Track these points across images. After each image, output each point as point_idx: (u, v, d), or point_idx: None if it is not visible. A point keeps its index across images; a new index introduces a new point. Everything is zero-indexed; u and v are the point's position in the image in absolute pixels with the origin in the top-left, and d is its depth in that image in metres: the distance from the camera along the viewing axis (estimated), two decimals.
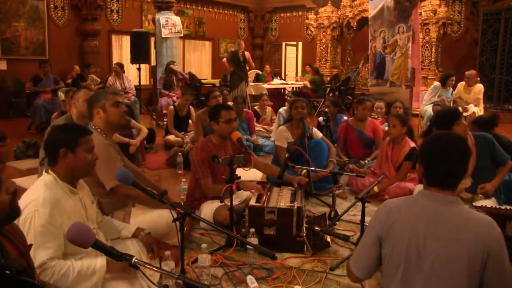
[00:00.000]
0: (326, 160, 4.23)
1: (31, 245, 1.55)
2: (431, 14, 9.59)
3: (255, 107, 7.46)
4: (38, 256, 1.77)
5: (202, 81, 11.68)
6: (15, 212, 1.36)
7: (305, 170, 3.58)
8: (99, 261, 1.91)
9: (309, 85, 11.09)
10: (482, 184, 3.22)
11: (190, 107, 6.56)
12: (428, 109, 6.78)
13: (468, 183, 3.35)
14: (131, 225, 2.54)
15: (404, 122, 4.06)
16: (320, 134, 4.50)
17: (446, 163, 1.56)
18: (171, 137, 6.20)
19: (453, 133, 1.79)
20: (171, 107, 6.50)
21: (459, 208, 1.54)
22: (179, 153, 5.13)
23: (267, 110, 7.44)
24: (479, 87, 7.16)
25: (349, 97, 10.65)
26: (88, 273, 1.88)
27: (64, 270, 1.83)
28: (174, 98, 8.11)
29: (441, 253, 1.48)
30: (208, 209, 3.28)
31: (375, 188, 3.79)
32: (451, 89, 7.20)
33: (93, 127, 2.71)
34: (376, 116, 5.54)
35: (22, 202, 1.84)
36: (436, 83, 7.36)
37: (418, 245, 1.51)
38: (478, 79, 7.36)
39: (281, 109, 6.79)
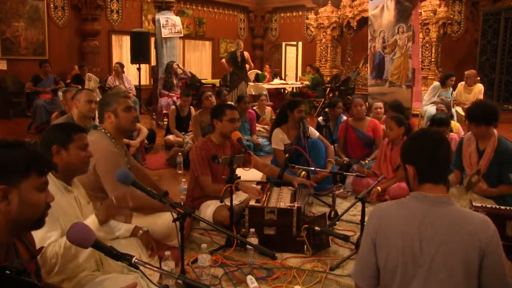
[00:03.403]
0: (324, 160, 4.22)
1: (41, 248, 1.56)
2: (431, 14, 9.58)
3: (254, 107, 7.46)
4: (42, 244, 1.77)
5: (202, 81, 11.68)
6: (42, 222, 1.36)
7: (304, 172, 3.58)
8: (89, 219, 1.91)
9: (307, 82, 11.07)
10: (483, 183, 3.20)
11: (191, 107, 6.57)
12: (428, 109, 6.78)
13: (475, 178, 3.33)
14: (129, 224, 2.54)
15: (400, 122, 4.06)
16: (317, 134, 4.49)
17: (435, 156, 1.56)
18: (171, 137, 6.20)
19: (427, 129, 1.86)
20: (173, 107, 6.51)
21: (451, 208, 1.52)
22: (179, 153, 5.13)
23: (266, 110, 7.45)
24: (479, 87, 7.17)
25: (349, 97, 10.65)
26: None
27: (64, 242, 1.83)
28: (174, 98, 8.11)
29: (437, 256, 1.46)
30: (208, 209, 3.28)
31: (378, 188, 3.81)
32: (451, 89, 7.20)
33: (103, 130, 2.69)
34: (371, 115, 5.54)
35: None
36: (436, 83, 7.37)
37: (413, 250, 1.49)
38: (478, 78, 7.36)
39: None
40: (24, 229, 1.37)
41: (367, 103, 7.13)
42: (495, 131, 3.27)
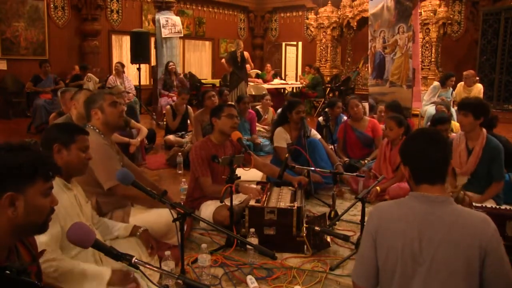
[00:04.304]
0: (323, 161, 4.19)
1: (43, 251, 1.56)
2: (431, 14, 9.59)
3: (257, 107, 7.46)
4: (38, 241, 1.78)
5: (202, 81, 11.68)
6: (46, 226, 1.37)
7: (305, 170, 3.59)
8: (105, 269, 1.92)
9: (306, 81, 11.07)
10: (472, 193, 3.22)
11: (188, 106, 6.57)
12: (429, 109, 6.78)
13: (464, 180, 3.34)
14: (128, 224, 2.54)
15: (400, 123, 4.06)
16: (318, 136, 4.48)
17: (430, 157, 1.55)
18: (171, 137, 6.21)
19: (428, 129, 1.82)
20: (168, 106, 6.53)
21: (451, 207, 1.52)
22: (179, 153, 5.13)
23: (269, 110, 7.45)
24: (479, 87, 7.17)
25: (348, 97, 10.63)
26: (91, 275, 1.88)
27: (69, 268, 1.84)
28: (174, 98, 8.11)
29: (437, 256, 1.46)
30: (208, 209, 3.28)
31: (378, 188, 3.81)
32: (451, 89, 7.21)
33: (92, 127, 2.71)
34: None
35: None
36: (436, 83, 7.37)
37: (413, 250, 1.49)
38: (477, 78, 7.37)
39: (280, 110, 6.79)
40: (28, 233, 1.38)
41: (366, 103, 7.15)
42: (484, 130, 3.30)
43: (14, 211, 1.24)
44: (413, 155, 1.59)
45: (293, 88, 11.58)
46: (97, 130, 2.71)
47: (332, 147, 4.90)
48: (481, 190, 3.28)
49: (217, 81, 11.96)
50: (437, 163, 1.56)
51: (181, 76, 9.11)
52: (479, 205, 2.94)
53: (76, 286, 1.86)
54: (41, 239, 1.78)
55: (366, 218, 2.75)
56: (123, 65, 8.35)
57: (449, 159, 1.60)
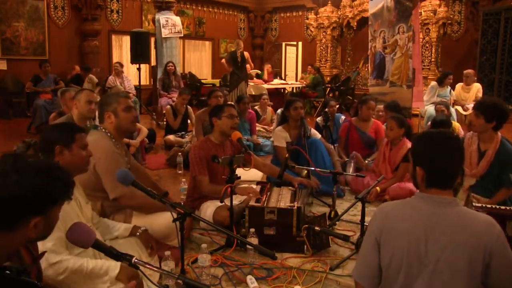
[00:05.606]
0: (324, 161, 4.18)
1: (44, 252, 1.57)
2: (431, 14, 9.58)
3: (256, 107, 7.46)
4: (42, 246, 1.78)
5: (202, 81, 11.68)
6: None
7: (306, 171, 3.58)
8: (113, 263, 1.91)
9: (307, 81, 11.06)
10: (478, 196, 3.17)
11: (188, 106, 6.57)
12: (429, 109, 6.78)
13: (472, 181, 3.33)
14: (128, 224, 2.54)
15: (401, 123, 4.05)
16: (318, 135, 4.48)
17: (448, 163, 1.53)
18: (171, 137, 6.21)
19: (444, 131, 1.74)
20: (168, 106, 6.53)
21: (457, 209, 1.52)
22: (179, 153, 5.13)
23: (267, 110, 7.44)
24: (477, 86, 7.20)
25: (349, 97, 10.65)
26: (101, 272, 1.88)
27: (78, 265, 1.85)
28: (174, 98, 8.11)
29: (442, 257, 1.46)
30: (208, 209, 3.28)
31: (377, 188, 3.80)
32: (449, 87, 7.21)
33: (103, 130, 2.70)
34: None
35: None
36: (433, 83, 7.38)
37: (418, 250, 1.49)
38: (475, 78, 7.39)
39: (280, 110, 6.80)
40: (35, 242, 1.43)
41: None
42: (498, 134, 3.19)
43: (35, 231, 1.27)
44: (434, 160, 1.55)
45: (293, 88, 11.58)
46: (108, 134, 2.70)
47: (332, 147, 4.89)
48: (488, 193, 3.19)
49: (217, 81, 11.95)
50: (456, 171, 1.55)
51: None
52: (479, 205, 2.93)
53: (87, 281, 1.86)
54: (46, 245, 1.79)
55: (367, 218, 2.76)
56: (122, 65, 8.34)
57: (462, 166, 1.59)
